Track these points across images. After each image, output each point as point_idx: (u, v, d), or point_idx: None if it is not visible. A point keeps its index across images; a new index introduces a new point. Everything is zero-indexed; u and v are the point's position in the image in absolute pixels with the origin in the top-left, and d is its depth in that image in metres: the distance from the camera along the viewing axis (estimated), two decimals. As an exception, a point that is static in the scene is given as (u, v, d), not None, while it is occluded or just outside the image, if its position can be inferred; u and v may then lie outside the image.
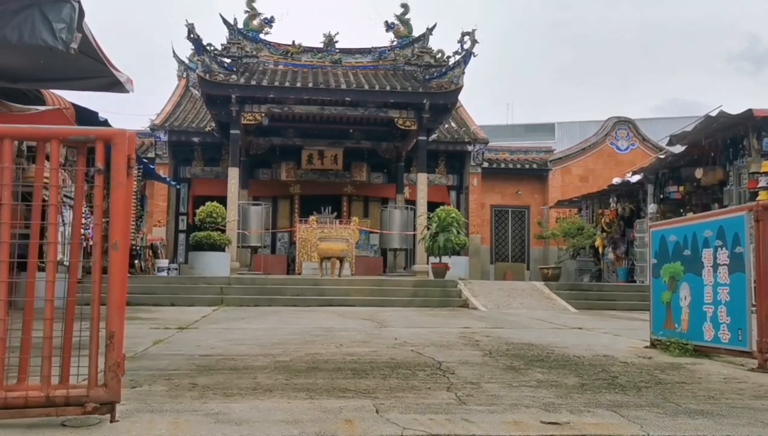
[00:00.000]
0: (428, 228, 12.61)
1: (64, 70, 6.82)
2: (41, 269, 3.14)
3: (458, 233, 12.22)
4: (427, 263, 17.99)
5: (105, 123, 10.52)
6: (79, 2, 5.10)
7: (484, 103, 58.37)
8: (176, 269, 21.69)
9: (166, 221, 22.38)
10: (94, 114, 10.06)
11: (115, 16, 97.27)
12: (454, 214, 17.33)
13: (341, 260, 16.32)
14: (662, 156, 17.61)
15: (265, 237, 20.38)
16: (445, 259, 12.24)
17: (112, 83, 7.04)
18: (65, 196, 10.00)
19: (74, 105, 9.76)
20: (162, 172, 22.15)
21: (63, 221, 9.64)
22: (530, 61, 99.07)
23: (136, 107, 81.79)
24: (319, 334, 6.40)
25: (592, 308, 11.27)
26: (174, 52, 25.65)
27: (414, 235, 19.26)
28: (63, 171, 10.55)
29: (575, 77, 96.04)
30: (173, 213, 23.01)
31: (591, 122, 58.67)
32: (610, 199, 19.21)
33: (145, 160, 14.30)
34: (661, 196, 16.36)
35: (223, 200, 18.73)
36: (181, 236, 22.90)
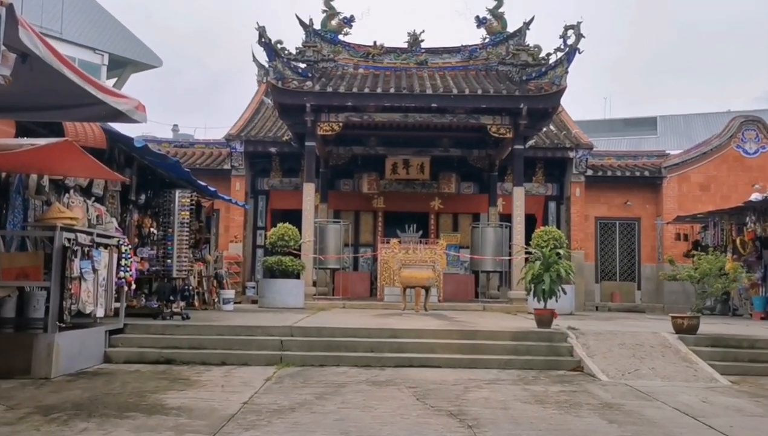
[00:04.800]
0: (529, 262, 10.50)
1: (56, 98, 5.25)
2: None
3: (567, 273, 10.02)
4: (526, 293, 15.86)
5: (143, 149, 9.06)
6: (10, 7, 3.46)
7: (580, 97, 54.78)
8: (254, 288, 20.46)
9: (243, 237, 21.16)
10: (130, 139, 8.58)
11: (202, 18, 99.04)
12: (556, 237, 15.11)
13: (427, 289, 14.41)
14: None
15: (344, 257, 18.70)
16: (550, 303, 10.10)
17: (115, 112, 5.44)
18: (99, 234, 8.55)
19: (106, 130, 8.30)
20: (238, 184, 21.01)
21: (94, 265, 8.17)
22: (627, 51, 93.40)
23: (225, 116, 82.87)
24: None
25: (746, 372, 8.83)
26: (253, 55, 24.39)
27: (510, 259, 17.09)
28: (99, 205, 9.11)
29: (675, 68, 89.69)
30: (251, 227, 21.76)
31: (696, 115, 54.37)
32: (747, 218, 16.32)
33: (204, 186, 12.86)
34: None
35: (301, 214, 17.22)
36: (260, 252, 21.59)
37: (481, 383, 7.74)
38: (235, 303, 15.16)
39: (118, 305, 9.23)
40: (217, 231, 19.51)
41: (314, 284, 17.08)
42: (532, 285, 10.03)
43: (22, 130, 8.22)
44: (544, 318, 9.90)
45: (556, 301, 10.12)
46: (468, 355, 9.07)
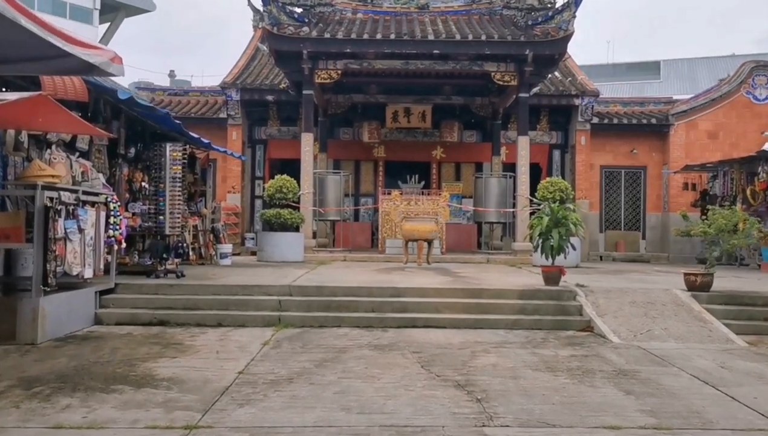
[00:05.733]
0: (535, 215, 10.06)
1: (21, 49, 4.72)
2: None
3: (576, 225, 9.60)
4: (531, 242, 15.47)
5: (129, 101, 8.51)
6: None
7: (582, 41, 53.36)
8: (253, 239, 20.12)
9: (241, 187, 20.70)
10: (113, 91, 8.03)
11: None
12: (562, 188, 14.66)
13: (429, 241, 14.03)
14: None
15: (345, 206, 18.26)
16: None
17: (87, 66, 4.90)
18: (84, 192, 8.10)
19: (89, 82, 7.75)
20: (234, 134, 20.48)
21: (80, 225, 7.74)
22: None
23: (222, 61, 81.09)
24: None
25: (762, 332, 8.49)
26: (248, -1, 23.43)
27: (514, 211, 16.67)
28: (84, 161, 8.63)
29: (678, 9, 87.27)
30: (249, 177, 21.28)
31: (700, 60, 53.18)
32: (759, 167, 15.82)
33: (197, 138, 12.33)
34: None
35: (300, 163, 16.72)
36: (258, 203, 21.17)
37: (489, 347, 7.41)
38: (234, 255, 14.85)
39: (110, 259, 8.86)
40: (214, 182, 19.04)
41: (314, 235, 16.72)
42: (540, 240, 9.62)
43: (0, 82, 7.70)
44: (552, 275, 9.53)
45: (565, 257, 9.74)
46: (474, 315, 8.73)
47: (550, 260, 9.64)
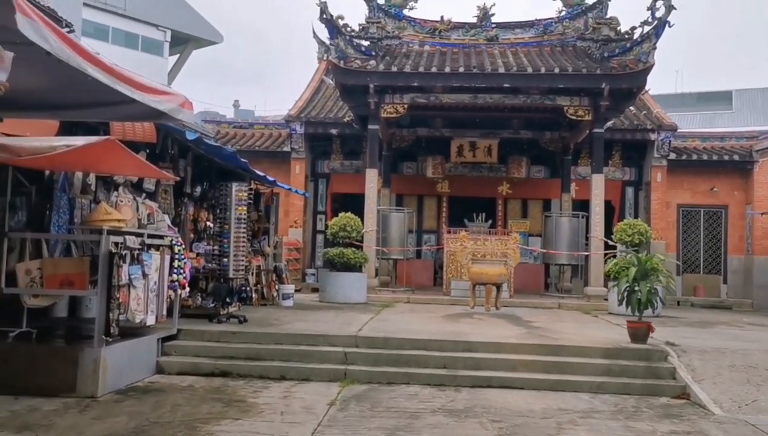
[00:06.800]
0: (617, 267, 9.32)
1: (90, 95, 4.44)
2: None
3: (668, 283, 8.85)
4: (606, 288, 14.66)
5: (197, 141, 8.26)
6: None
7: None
8: (314, 275, 19.81)
9: (303, 222, 20.45)
10: (182, 132, 7.79)
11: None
12: (641, 231, 13.84)
13: (498, 285, 13.36)
14: None
15: (408, 244, 17.75)
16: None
17: (156, 112, 4.59)
18: (150, 235, 7.83)
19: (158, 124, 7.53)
20: (298, 167, 20.29)
21: (144, 270, 7.47)
22: (701, 23, 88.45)
23: (285, 92, 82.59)
24: None
25: None
26: (314, 31, 23.35)
27: (587, 254, 15.84)
28: (150, 202, 8.40)
29: (750, 41, 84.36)
30: (311, 212, 21.04)
31: (775, 89, 50.91)
32: None
33: (262, 176, 12.10)
34: None
35: (363, 198, 16.39)
36: (320, 238, 20.88)
37: (575, 416, 6.73)
38: (296, 291, 14.48)
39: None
40: (277, 217, 18.85)
41: (376, 272, 16.27)
42: (625, 294, 8.87)
43: (69, 124, 7.54)
44: (640, 332, 8.76)
45: (653, 312, 8.97)
46: (553, 375, 8.05)
47: (636, 314, 8.87)
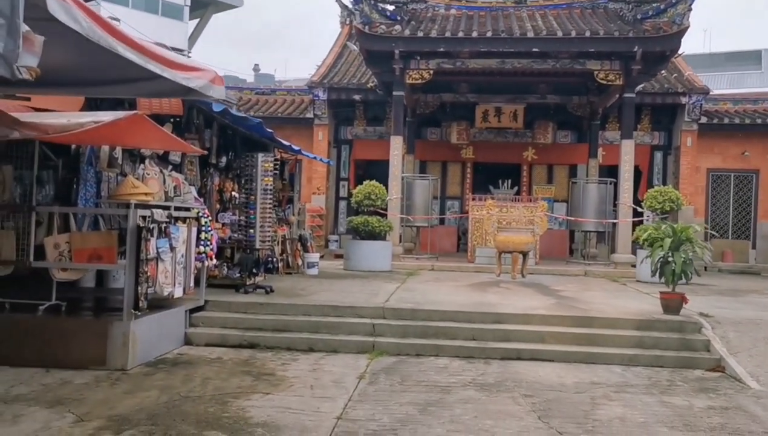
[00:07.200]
0: (653, 240, 9.10)
1: (119, 71, 4.32)
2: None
3: (702, 248, 8.64)
4: (634, 255, 14.45)
5: (223, 112, 8.15)
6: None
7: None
8: (336, 242, 19.82)
9: (325, 188, 20.39)
10: (208, 104, 7.67)
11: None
12: (672, 199, 13.54)
13: (525, 254, 13.21)
14: None
15: (432, 211, 17.60)
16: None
17: (185, 89, 4.47)
18: (176, 208, 7.78)
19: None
20: (321, 134, 20.16)
21: (172, 243, 7.44)
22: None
23: (305, 55, 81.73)
24: None
25: None
26: (336, -5, 23.02)
27: (615, 222, 15.59)
28: (176, 174, 8.34)
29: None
30: (334, 178, 20.95)
31: (808, 49, 49.34)
32: None
33: (288, 145, 11.99)
34: None
35: (386, 164, 16.26)
36: (342, 204, 20.85)
37: (609, 391, 6.62)
38: (319, 258, 14.47)
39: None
40: (300, 183, 18.81)
41: (400, 238, 16.19)
42: (659, 265, 8.69)
43: (95, 97, 7.44)
44: (672, 303, 8.60)
45: (687, 283, 8.79)
46: (584, 347, 7.94)
47: (670, 285, 8.69)
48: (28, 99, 5.98)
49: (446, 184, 20.63)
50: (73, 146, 7.60)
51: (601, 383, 6.91)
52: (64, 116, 5.74)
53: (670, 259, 8.58)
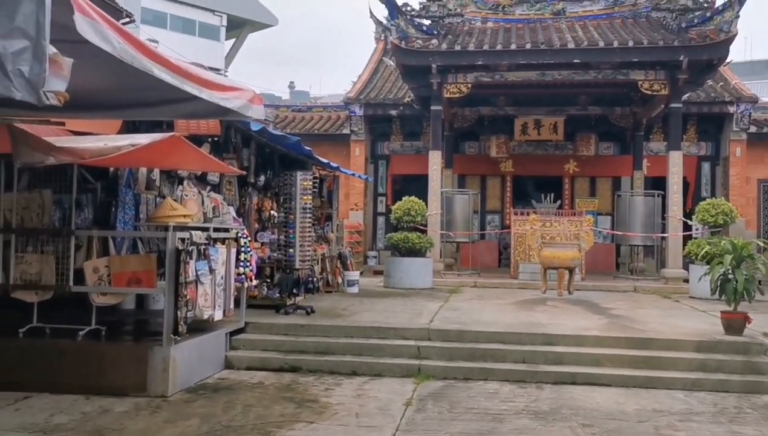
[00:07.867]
0: (712, 257, 8.65)
1: (155, 93, 4.15)
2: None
3: (765, 264, 8.18)
4: (685, 270, 13.91)
5: (262, 131, 7.99)
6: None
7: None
8: (375, 258, 19.60)
9: (363, 204, 20.21)
10: (246, 124, 7.52)
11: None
12: (725, 211, 13.00)
13: (570, 270, 12.78)
14: None
15: (472, 226, 17.25)
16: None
17: (223, 110, 4.28)
18: (215, 229, 7.62)
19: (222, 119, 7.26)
20: (357, 149, 20.01)
21: (211, 265, 7.27)
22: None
23: (340, 71, 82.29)
24: None
25: None
26: (371, 11, 22.89)
27: (664, 236, 15.05)
28: (215, 195, 8.19)
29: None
30: (371, 194, 20.76)
31: None
32: None
33: (326, 163, 11.83)
34: None
35: (423, 179, 16.00)
36: (380, 220, 20.63)
37: (673, 420, 6.22)
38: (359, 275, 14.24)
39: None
40: (338, 199, 18.67)
41: (440, 254, 15.87)
42: (719, 283, 8.24)
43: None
44: (735, 323, 8.14)
45: (749, 302, 8.31)
46: (643, 371, 7.53)
47: (731, 304, 8.23)
48: (63, 124, 5.89)
49: (486, 199, 20.26)
50: (111, 169, 7.51)
51: (664, 411, 6.51)
52: (101, 140, 5.63)
53: (730, 276, 8.13)
